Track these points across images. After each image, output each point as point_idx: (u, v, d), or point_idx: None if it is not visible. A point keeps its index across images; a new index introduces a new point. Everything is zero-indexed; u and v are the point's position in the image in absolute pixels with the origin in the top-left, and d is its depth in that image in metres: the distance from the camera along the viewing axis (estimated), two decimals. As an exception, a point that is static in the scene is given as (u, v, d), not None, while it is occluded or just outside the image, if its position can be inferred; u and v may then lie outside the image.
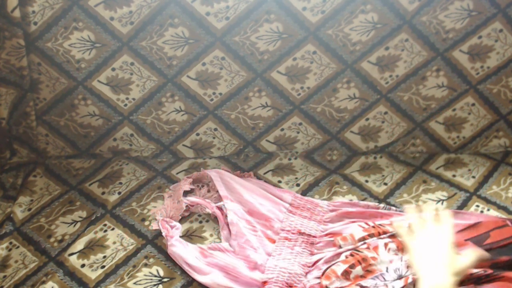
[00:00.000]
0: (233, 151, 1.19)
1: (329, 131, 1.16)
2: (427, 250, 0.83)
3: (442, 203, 1.06)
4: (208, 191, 1.08)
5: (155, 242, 1.01)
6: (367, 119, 1.15)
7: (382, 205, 1.02)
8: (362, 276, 0.87)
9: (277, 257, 0.94)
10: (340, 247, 0.93)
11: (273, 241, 0.97)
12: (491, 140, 1.17)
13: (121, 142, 1.18)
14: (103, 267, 0.97)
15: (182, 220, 1.05)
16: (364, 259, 0.89)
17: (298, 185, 1.11)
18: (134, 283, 0.95)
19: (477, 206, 1.05)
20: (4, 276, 0.97)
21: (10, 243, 1.03)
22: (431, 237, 0.85)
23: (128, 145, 1.18)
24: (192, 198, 1.05)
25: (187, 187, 1.07)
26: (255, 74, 1.10)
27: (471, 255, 0.82)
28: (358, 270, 0.88)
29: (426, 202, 1.05)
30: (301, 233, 0.97)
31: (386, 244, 0.91)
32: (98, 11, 1.03)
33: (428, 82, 1.11)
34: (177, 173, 1.15)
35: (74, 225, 1.05)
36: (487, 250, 0.86)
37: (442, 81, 1.11)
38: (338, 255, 0.92)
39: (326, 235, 0.97)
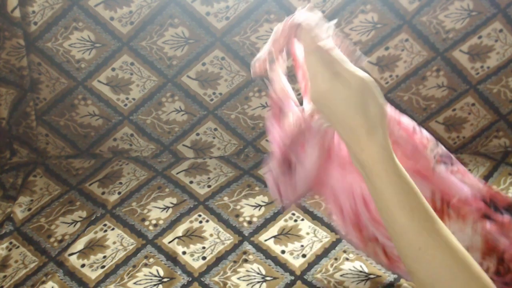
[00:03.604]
0: (233, 151, 1.19)
1: (329, 131, 1.16)
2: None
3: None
4: None
5: (155, 242, 1.01)
6: (367, 119, 1.15)
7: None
8: None
9: None
10: None
11: None
12: (491, 140, 1.17)
13: (121, 142, 1.18)
14: (103, 267, 0.97)
15: (182, 219, 1.05)
16: None
17: (298, 185, 1.11)
18: (134, 283, 0.95)
19: (477, 206, 1.05)
20: (4, 276, 0.97)
21: (10, 243, 1.03)
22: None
23: (128, 145, 1.18)
24: None
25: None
26: (255, 74, 1.10)
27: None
28: None
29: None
30: None
31: None
32: (98, 11, 1.03)
33: (428, 82, 1.11)
34: (177, 173, 1.15)
35: (74, 225, 1.05)
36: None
37: (442, 81, 1.11)
38: None
39: None
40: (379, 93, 0.61)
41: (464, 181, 0.74)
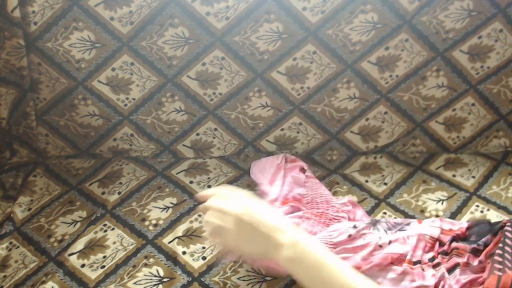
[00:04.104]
0: (233, 151, 1.19)
1: (329, 131, 1.16)
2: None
3: (442, 203, 1.06)
4: None
5: (155, 242, 1.01)
6: (367, 119, 1.15)
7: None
8: None
9: None
10: None
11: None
12: (491, 140, 1.17)
13: (121, 142, 1.18)
14: (103, 267, 0.97)
15: (182, 219, 1.05)
16: None
17: (298, 185, 1.11)
18: (134, 283, 0.95)
19: (477, 206, 1.05)
20: (4, 276, 0.97)
21: (10, 243, 1.03)
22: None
23: (128, 145, 1.18)
24: None
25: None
26: (255, 74, 1.10)
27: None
28: None
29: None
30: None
31: None
32: (98, 11, 1.03)
33: (428, 82, 1.11)
34: (177, 173, 1.15)
35: (74, 225, 1.05)
36: None
37: (442, 81, 1.11)
38: None
39: None
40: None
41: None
